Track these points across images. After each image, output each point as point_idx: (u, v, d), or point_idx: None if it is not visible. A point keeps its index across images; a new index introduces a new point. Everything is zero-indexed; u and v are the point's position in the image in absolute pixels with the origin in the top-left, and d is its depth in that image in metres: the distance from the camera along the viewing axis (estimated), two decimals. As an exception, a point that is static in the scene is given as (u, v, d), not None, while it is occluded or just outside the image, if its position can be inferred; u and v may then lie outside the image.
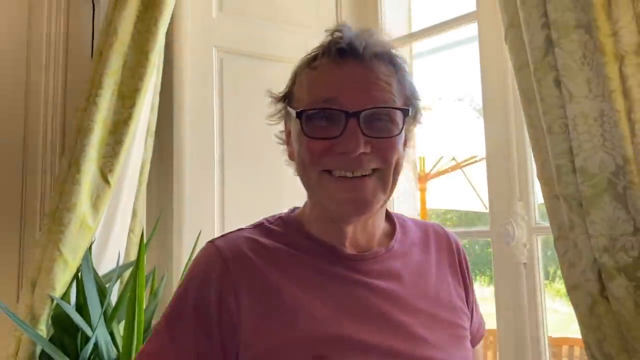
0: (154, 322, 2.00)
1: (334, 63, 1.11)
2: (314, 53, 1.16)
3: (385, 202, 1.15)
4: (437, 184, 5.48)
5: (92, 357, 1.88)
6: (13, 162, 2.20)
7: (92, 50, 2.28)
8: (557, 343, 4.93)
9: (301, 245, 1.16)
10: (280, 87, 1.21)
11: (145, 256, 1.95)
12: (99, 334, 1.88)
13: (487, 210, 2.09)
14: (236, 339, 1.06)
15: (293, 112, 1.13)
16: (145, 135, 2.22)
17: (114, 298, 2.05)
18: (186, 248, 2.19)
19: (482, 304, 2.00)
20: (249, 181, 2.36)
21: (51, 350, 1.83)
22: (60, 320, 1.90)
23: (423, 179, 4.84)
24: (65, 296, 1.92)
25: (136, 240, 2.17)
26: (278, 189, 2.33)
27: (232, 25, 2.43)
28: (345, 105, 1.07)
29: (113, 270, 2.07)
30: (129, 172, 2.17)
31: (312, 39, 1.19)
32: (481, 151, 2.14)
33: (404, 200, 2.61)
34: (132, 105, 2.05)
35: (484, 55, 2.08)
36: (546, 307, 1.94)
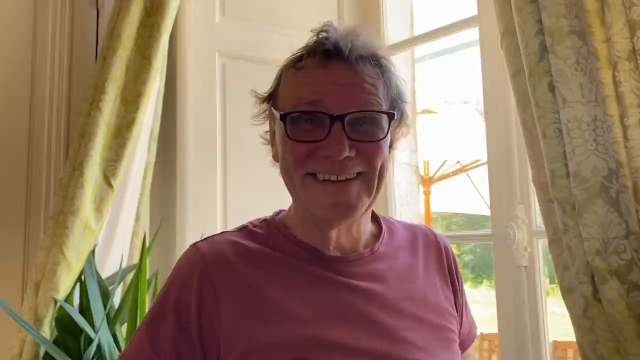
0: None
1: (319, 64, 1.10)
2: (299, 53, 1.14)
3: (370, 205, 1.14)
4: (442, 187, 5.47)
5: (95, 358, 1.89)
6: (18, 166, 2.22)
7: (96, 56, 2.30)
8: (563, 347, 4.92)
9: (285, 248, 1.15)
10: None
11: (147, 259, 1.97)
12: (102, 336, 1.89)
13: (491, 214, 2.09)
14: (217, 341, 1.05)
15: (277, 114, 1.12)
16: (148, 140, 2.24)
17: (117, 300, 2.06)
18: (189, 251, 2.20)
19: (487, 307, 2.01)
20: (251, 185, 2.38)
21: (54, 352, 1.84)
22: (63, 322, 1.92)
23: (428, 182, 4.84)
24: (68, 298, 1.94)
25: (139, 243, 2.18)
26: (280, 193, 2.33)
27: (234, 31, 2.45)
28: (330, 108, 1.06)
29: (116, 273, 2.08)
30: (133, 176, 2.19)
31: (315, 44, 1.18)
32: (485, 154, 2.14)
33: (405, 203, 2.61)
34: (135, 109, 2.07)
35: (485, 60, 2.07)
36: (550, 310, 1.94)
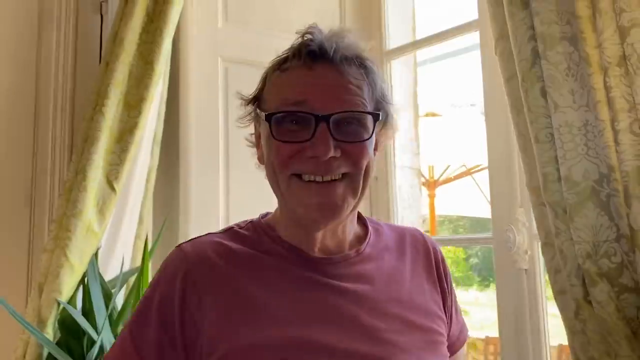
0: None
1: (304, 66, 1.10)
2: (284, 55, 1.15)
3: (355, 206, 1.14)
4: (448, 190, 5.45)
5: (98, 360, 1.91)
6: (23, 169, 2.24)
7: (100, 61, 2.32)
8: (568, 350, 4.89)
9: (269, 249, 1.15)
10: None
11: (149, 262, 1.99)
12: (105, 338, 1.90)
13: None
14: (199, 342, 1.06)
15: (262, 114, 1.12)
16: (151, 143, 2.25)
17: (119, 302, 2.08)
18: (191, 254, 2.21)
19: (494, 310, 2.00)
20: (254, 188, 2.37)
21: (58, 353, 1.86)
22: (66, 323, 1.93)
23: (432, 185, 4.82)
24: (71, 300, 1.95)
25: (142, 246, 2.18)
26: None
27: (237, 35, 2.46)
28: (315, 109, 1.06)
29: (118, 276, 2.10)
30: (136, 180, 2.20)
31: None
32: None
33: (408, 206, 2.61)
34: (138, 114, 2.09)
35: (486, 64, 2.07)
36: (555, 314, 1.94)
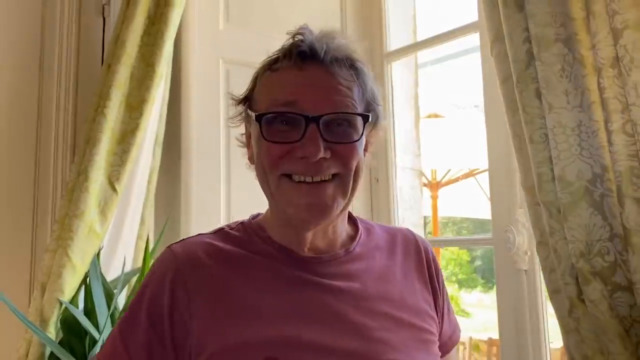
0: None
1: (294, 66, 1.10)
2: (275, 56, 1.15)
3: (345, 207, 1.14)
4: (451, 192, 5.44)
5: (99, 359, 1.92)
6: (26, 170, 2.26)
7: (102, 63, 2.34)
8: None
9: (259, 249, 1.15)
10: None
11: (151, 262, 2.00)
12: (106, 337, 1.92)
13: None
14: (189, 341, 1.06)
15: (253, 115, 1.12)
16: (153, 145, 2.27)
17: (121, 302, 2.09)
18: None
19: (495, 311, 2.00)
20: (255, 190, 2.37)
21: (60, 353, 1.87)
22: (68, 323, 1.94)
23: (435, 186, 4.82)
24: (73, 300, 1.96)
25: (144, 246, 2.19)
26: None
27: (238, 37, 2.47)
28: (305, 110, 1.06)
29: (121, 276, 2.12)
30: (137, 181, 2.21)
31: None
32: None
33: (409, 207, 2.61)
34: (139, 115, 2.10)
35: (486, 65, 2.07)
36: (551, 314, 1.95)
